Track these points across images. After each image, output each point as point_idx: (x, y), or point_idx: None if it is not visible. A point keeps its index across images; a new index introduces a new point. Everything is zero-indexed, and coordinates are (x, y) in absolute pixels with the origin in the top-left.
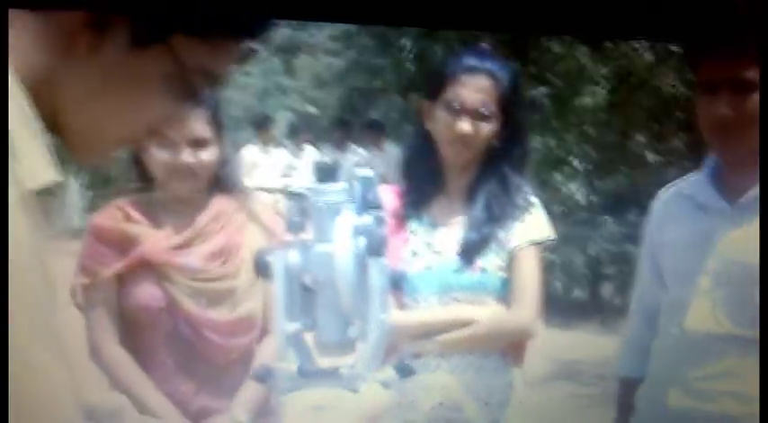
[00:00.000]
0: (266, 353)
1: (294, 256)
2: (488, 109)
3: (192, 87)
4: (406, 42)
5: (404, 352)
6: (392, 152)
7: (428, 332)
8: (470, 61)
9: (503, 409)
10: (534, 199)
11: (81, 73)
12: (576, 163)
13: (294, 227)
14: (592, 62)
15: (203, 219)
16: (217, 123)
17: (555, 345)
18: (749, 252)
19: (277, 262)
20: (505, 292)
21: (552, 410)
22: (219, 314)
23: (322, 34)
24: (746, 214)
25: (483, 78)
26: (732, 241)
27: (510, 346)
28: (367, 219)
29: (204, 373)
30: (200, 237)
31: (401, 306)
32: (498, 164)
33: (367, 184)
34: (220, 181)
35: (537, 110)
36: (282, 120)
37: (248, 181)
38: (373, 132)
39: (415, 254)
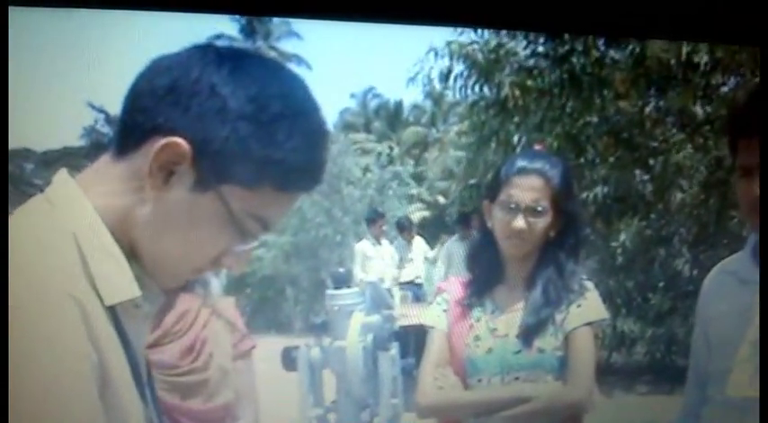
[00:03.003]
0: None
1: (316, 352)
2: (541, 205)
3: (244, 229)
4: (518, 136)
5: None
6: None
7: (491, 409)
8: (522, 163)
9: None
10: (589, 283)
11: (150, 212)
12: (676, 240)
13: (316, 327)
14: (691, 153)
15: (170, 319)
16: None
17: (661, 408)
18: None
19: (301, 357)
20: (562, 369)
21: None
22: (195, 404)
23: (452, 130)
24: None
25: (534, 178)
26: None
27: (567, 420)
28: (375, 318)
29: None
30: (168, 336)
31: (467, 386)
32: (554, 252)
33: (374, 288)
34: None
35: (639, 195)
36: (394, 214)
37: (362, 274)
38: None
39: (478, 338)
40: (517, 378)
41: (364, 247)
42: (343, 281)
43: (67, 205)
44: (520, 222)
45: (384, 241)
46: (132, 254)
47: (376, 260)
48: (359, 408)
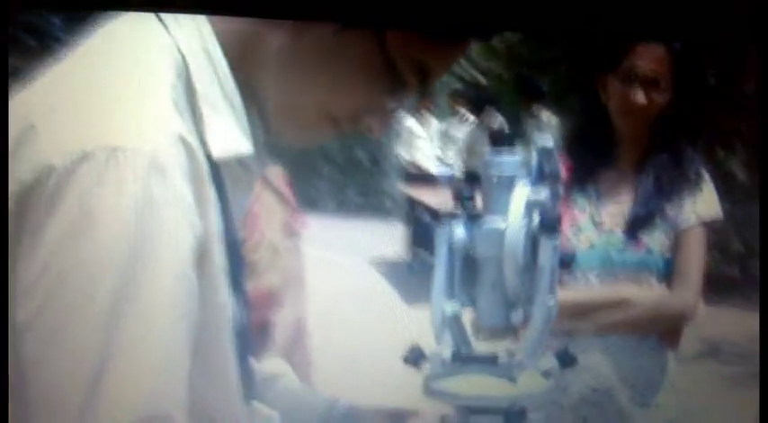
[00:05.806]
0: (284, 327)
1: (460, 232)
2: (664, 79)
3: (399, 80)
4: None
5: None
6: (549, 122)
7: (584, 311)
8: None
9: (654, 393)
10: (705, 173)
11: (284, 45)
12: (735, 141)
13: (464, 199)
14: None
15: None
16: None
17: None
18: None
19: (441, 236)
20: (668, 272)
21: (701, 391)
22: None
23: None
24: None
25: (659, 48)
26: None
27: (668, 329)
28: (543, 193)
29: None
30: None
31: (561, 283)
32: (671, 135)
33: (545, 154)
34: None
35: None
36: (443, 89)
37: (408, 150)
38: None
39: (579, 231)
40: (617, 277)
41: (410, 122)
42: (507, 141)
43: (178, 22)
44: (640, 96)
45: (431, 119)
46: (252, 98)
47: (423, 139)
48: (506, 306)
